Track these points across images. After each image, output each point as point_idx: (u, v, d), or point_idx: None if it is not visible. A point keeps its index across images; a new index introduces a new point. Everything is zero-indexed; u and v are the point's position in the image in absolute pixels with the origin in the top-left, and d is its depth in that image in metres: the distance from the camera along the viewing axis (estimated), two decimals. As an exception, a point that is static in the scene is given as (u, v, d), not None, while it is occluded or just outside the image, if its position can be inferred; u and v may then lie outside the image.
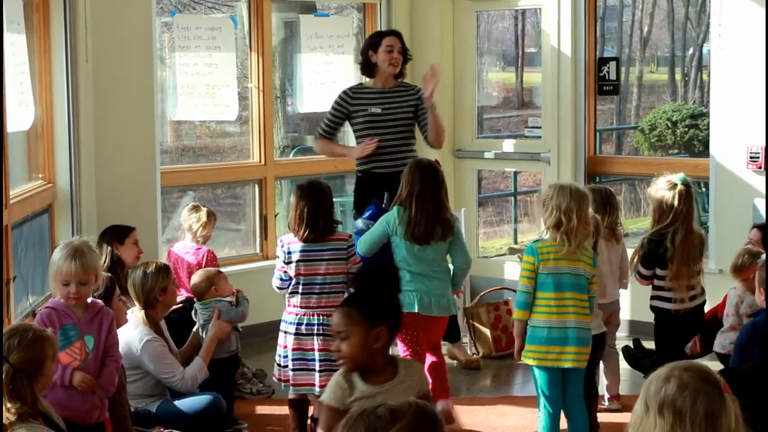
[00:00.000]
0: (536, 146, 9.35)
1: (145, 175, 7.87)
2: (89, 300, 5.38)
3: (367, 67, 7.72)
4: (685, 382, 2.92)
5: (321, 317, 5.93)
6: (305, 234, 5.95)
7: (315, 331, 5.93)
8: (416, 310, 6.30)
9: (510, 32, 19.09)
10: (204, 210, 7.67)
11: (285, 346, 6.01)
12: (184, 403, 6.20)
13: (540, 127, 9.40)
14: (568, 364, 5.70)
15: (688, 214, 6.58)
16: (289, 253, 6.02)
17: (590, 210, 6.06)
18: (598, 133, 9.69)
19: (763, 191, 7.88)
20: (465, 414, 6.81)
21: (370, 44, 7.70)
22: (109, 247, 6.89)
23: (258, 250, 8.99)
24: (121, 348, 5.85)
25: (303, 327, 5.95)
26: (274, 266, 8.62)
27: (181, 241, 7.75)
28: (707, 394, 2.89)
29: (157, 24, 8.10)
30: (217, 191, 10.26)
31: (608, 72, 8.98)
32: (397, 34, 7.78)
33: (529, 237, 13.86)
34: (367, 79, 7.80)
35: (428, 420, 2.84)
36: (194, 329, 6.60)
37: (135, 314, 6.25)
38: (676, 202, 6.52)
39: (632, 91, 19.53)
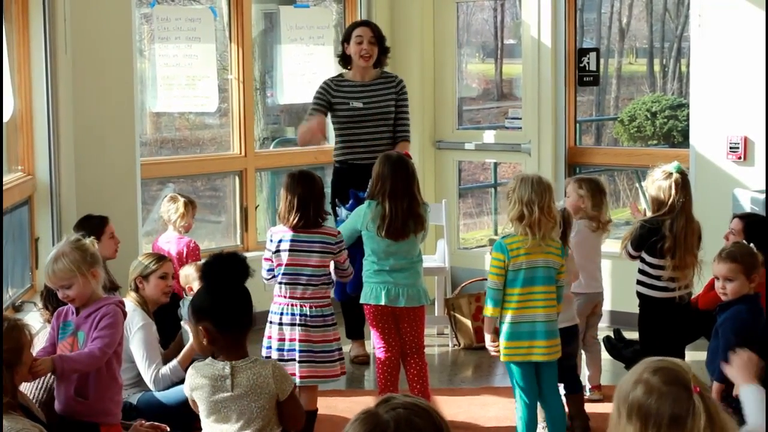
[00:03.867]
0: (517, 137, 9.37)
1: (125, 167, 7.84)
2: (103, 295, 5.28)
3: (344, 59, 7.76)
4: (652, 385, 2.91)
5: (303, 308, 5.93)
6: (295, 221, 5.93)
7: (297, 322, 5.92)
8: (383, 303, 6.29)
9: (489, 24, 19.09)
10: (181, 200, 7.64)
11: (269, 337, 6.01)
12: (165, 395, 6.18)
13: (520, 118, 9.41)
14: (538, 358, 5.72)
15: (686, 202, 6.55)
16: (279, 241, 6.01)
17: (561, 201, 6.10)
18: (578, 124, 9.69)
19: (744, 181, 7.92)
20: (446, 405, 6.81)
21: (345, 36, 7.81)
22: None
23: (239, 242, 8.97)
24: None
25: (285, 317, 5.95)
26: (254, 258, 8.68)
27: (164, 233, 7.72)
28: (674, 398, 2.88)
29: (136, 15, 8.07)
30: (197, 183, 10.22)
31: (588, 63, 8.99)
32: (368, 24, 7.78)
33: (509, 229, 13.84)
34: (347, 71, 7.80)
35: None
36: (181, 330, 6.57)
37: (129, 300, 6.28)
38: (673, 191, 6.47)
39: (611, 82, 19.53)
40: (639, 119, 16.33)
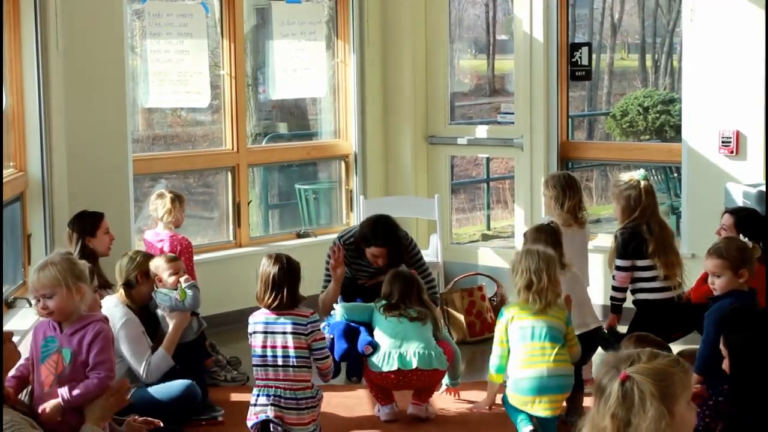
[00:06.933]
0: (509, 132, 9.37)
1: (117, 163, 7.83)
2: (85, 312, 5.02)
3: (358, 247, 7.34)
4: (606, 356, 3.10)
5: (278, 390, 5.80)
6: (269, 301, 5.88)
7: (271, 402, 5.77)
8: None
9: (481, 19, 19.11)
10: (168, 196, 7.63)
11: (249, 419, 5.87)
12: (158, 391, 6.18)
13: (513, 113, 9.42)
14: (540, 413, 5.76)
15: (655, 207, 6.90)
16: (255, 323, 5.96)
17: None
18: (570, 119, 9.70)
19: (735, 176, 7.93)
20: (439, 399, 6.81)
21: (363, 240, 7.20)
22: (81, 240, 6.85)
23: (231, 238, 8.96)
24: None
25: (261, 398, 5.83)
26: (247, 254, 8.71)
27: (153, 228, 7.73)
28: (606, 370, 3.03)
29: (127, 11, 8.06)
30: (189, 180, 10.22)
31: (580, 58, 8.99)
32: (385, 245, 7.15)
33: (502, 224, 13.88)
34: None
35: None
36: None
37: (115, 296, 6.29)
38: (644, 197, 6.80)
39: (603, 77, 19.56)
40: (631, 114, 16.34)
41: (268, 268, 5.94)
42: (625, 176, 7.00)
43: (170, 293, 6.43)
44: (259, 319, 5.93)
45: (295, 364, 5.83)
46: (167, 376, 6.29)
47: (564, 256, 6.70)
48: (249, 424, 5.84)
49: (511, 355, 5.84)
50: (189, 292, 6.43)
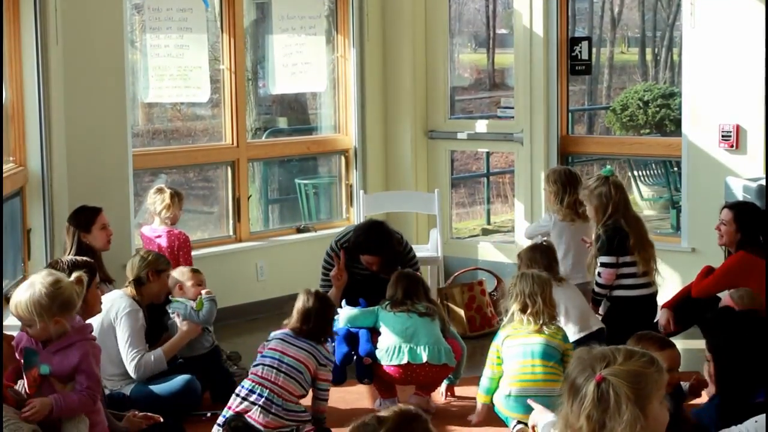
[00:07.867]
0: (509, 126, 9.36)
1: (117, 158, 7.82)
2: (71, 326, 4.89)
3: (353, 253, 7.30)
4: (580, 353, 3.09)
5: (272, 393, 5.76)
6: (297, 327, 5.96)
7: (261, 403, 5.75)
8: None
9: (481, 13, 19.12)
10: (167, 192, 7.65)
11: (229, 407, 5.81)
12: (158, 386, 6.19)
13: (512, 108, 9.41)
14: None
15: (627, 200, 7.07)
16: (275, 333, 6.00)
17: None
18: (570, 113, 9.69)
19: (735, 170, 7.92)
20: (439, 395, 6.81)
21: (355, 245, 7.16)
22: (77, 236, 6.85)
23: (231, 233, 8.95)
24: (101, 312, 5.83)
25: (252, 395, 5.79)
26: (246, 248, 8.71)
27: (150, 224, 7.73)
28: (581, 369, 3.04)
29: (127, 5, 8.05)
30: (189, 174, 10.22)
31: (580, 52, 8.98)
32: (378, 254, 7.11)
33: (502, 218, 13.88)
34: None
35: (410, 421, 3.03)
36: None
37: (123, 290, 6.35)
38: (613, 193, 6.94)
39: (603, 71, 19.57)
40: (631, 108, 16.34)
41: (309, 301, 6.02)
42: (592, 177, 7.21)
43: (187, 302, 6.52)
44: (280, 332, 6.00)
45: (295, 377, 5.84)
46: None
47: (558, 273, 6.75)
48: (223, 413, 5.81)
49: (504, 371, 5.91)
50: (206, 305, 6.53)
